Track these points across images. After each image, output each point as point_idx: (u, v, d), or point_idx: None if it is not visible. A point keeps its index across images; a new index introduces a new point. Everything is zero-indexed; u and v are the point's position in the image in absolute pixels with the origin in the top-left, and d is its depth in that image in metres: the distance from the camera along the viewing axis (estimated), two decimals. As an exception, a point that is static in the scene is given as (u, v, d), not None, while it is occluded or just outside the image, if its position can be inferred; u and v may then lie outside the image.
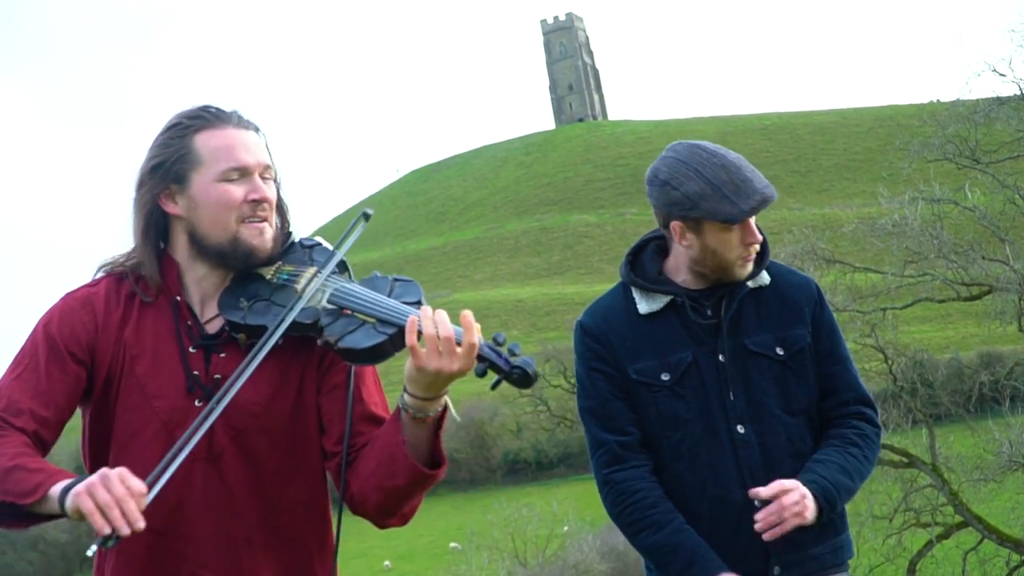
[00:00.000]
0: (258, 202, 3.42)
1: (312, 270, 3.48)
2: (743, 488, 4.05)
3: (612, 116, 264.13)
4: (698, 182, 4.05)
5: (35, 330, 3.45)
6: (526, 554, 51.36)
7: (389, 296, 3.36)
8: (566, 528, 52.15)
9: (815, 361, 4.23)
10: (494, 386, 3.24)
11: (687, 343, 4.16)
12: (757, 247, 4.15)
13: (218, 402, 3.21)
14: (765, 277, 4.26)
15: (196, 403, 3.31)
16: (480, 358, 3.17)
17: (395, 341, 3.24)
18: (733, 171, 4.03)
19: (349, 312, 3.34)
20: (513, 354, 3.19)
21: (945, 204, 31.55)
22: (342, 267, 3.50)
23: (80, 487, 2.97)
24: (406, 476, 3.28)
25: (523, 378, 3.16)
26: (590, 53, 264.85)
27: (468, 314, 3.18)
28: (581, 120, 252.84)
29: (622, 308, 4.28)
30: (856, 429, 4.21)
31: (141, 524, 2.93)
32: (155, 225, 3.50)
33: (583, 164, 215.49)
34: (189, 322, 3.47)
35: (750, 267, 4.18)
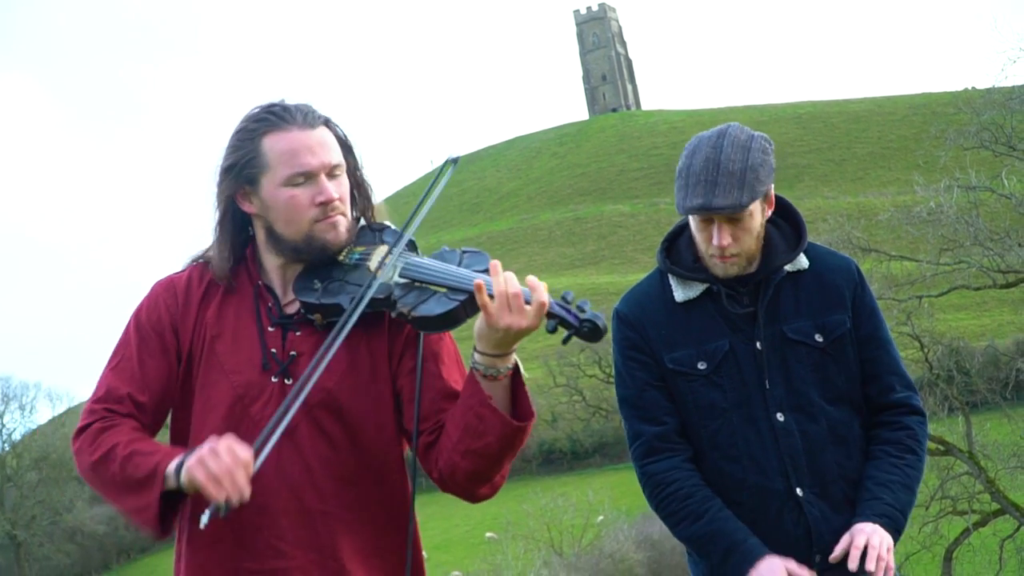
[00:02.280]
0: (326, 204, 3.52)
1: (383, 248, 3.57)
2: (784, 477, 4.05)
3: (645, 106, 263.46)
4: (685, 160, 4.07)
5: (128, 322, 3.66)
6: (562, 544, 51.34)
7: (459, 266, 3.45)
8: (601, 518, 52.10)
9: (856, 345, 4.19)
10: (565, 340, 3.30)
11: (724, 331, 4.14)
12: (730, 253, 4.07)
13: (312, 371, 3.37)
14: (803, 261, 4.21)
15: (272, 379, 3.47)
16: (550, 315, 3.26)
17: (467, 307, 3.33)
18: (708, 167, 3.98)
19: (421, 284, 3.43)
20: (582, 310, 3.25)
21: (981, 191, 31.44)
22: (411, 246, 3.59)
23: (192, 460, 3.22)
24: (496, 432, 3.35)
25: (593, 331, 3.24)
26: (623, 43, 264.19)
27: (533, 278, 3.29)
28: (615, 110, 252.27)
29: (659, 295, 4.26)
30: (908, 430, 4.17)
31: (247, 493, 3.19)
32: (232, 219, 3.64)
33: (617, 154, 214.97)
34: (270, 304, 3.62)
35: (730, 270, 4.11)
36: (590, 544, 49.40)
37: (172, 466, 3.28)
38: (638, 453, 4.22)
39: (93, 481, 3.49)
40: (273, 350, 3.56)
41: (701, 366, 4.13)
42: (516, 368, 3.42)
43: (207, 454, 3.19)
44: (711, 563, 4.09)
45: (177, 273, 3.73)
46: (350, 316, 3.37)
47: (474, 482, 3.49)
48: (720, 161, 3.97)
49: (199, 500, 3.39)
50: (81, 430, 3.51)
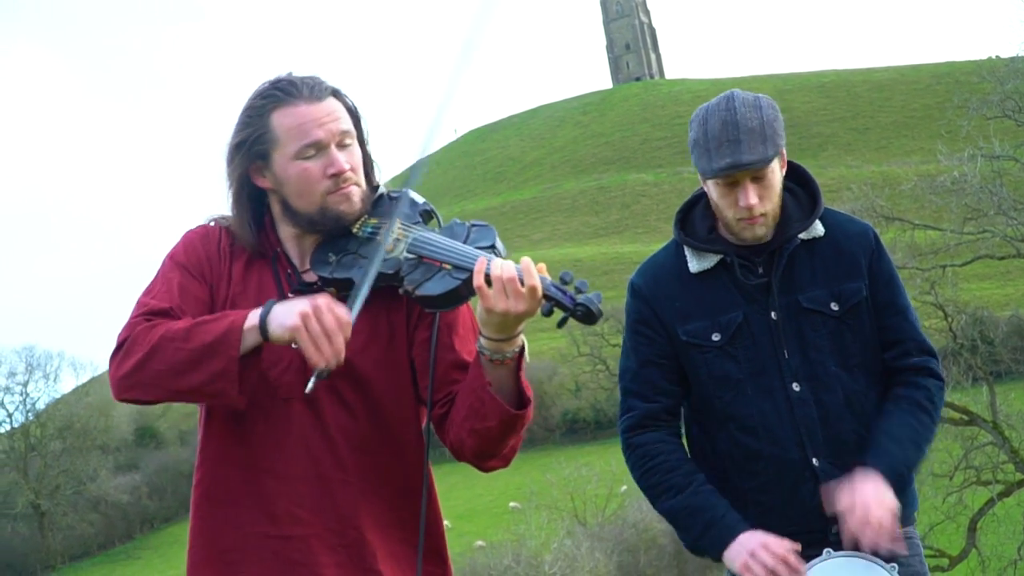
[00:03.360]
0: (338, 175, 3.50)
1: (397, 221, 3.54)
2: (800, 447, 4.02)
3: (669, 75, 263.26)
4: (699, 129, 4.02)
5: (162, 263, 3.62)
6: (585, 514, 51.43)
7: (465, 242, 3.43)
8: (625, 488, 52.12)
9: (874, 312, 4.16)
10: (560, 324, 3.28)
11: (738, 302, 4.12)
12: (758, 213, 4.02)
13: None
14: (819, 228, 4.18)
15: (292, 345, 3.36)
16: (546, 297, 3.22)
17: (468, 286, 3.31)
18: (728, 128, 3.95)
19: (427, 260, 3.42)
20: (579, 291, 3.22)
21: (1005, 161, 31.34)
22: (428, 216, 3.60)
23: (294, 317, 3.22)
24: (496, 418, 3.36)
25: (587, 315, 3.20)
26: (647, 12, 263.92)
27: (527, 260, 3.25)
28: (638, 79, 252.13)
29: (674, 267, 4.24)
30: (924, 390, 4.13)
31: (343, 357, 3.23)
32: (248, 194, 3.62)
33: (640, 123, 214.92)
34: (288, 271, 3.61)
35: (759, 231, 4.07)
36: (613, 514, 49.51)
37: (255, 318, 3.28)
38: (624, 426, 4.25)
39: (145, 374, 3.31)
40: None
41: (715, 338, 4.12)
42: (521, 351, 3.41)
43: (311, 312, 3.20)
44: (690, 537, 4.09)
45: (207, 225, 3.72)
46: (356, 297, 3.37)
47: (481, 457, 3.53)
48: (738, 121, 3.95)
49: (211, 451, 3.50)
50: (120, 344, 3.36)
